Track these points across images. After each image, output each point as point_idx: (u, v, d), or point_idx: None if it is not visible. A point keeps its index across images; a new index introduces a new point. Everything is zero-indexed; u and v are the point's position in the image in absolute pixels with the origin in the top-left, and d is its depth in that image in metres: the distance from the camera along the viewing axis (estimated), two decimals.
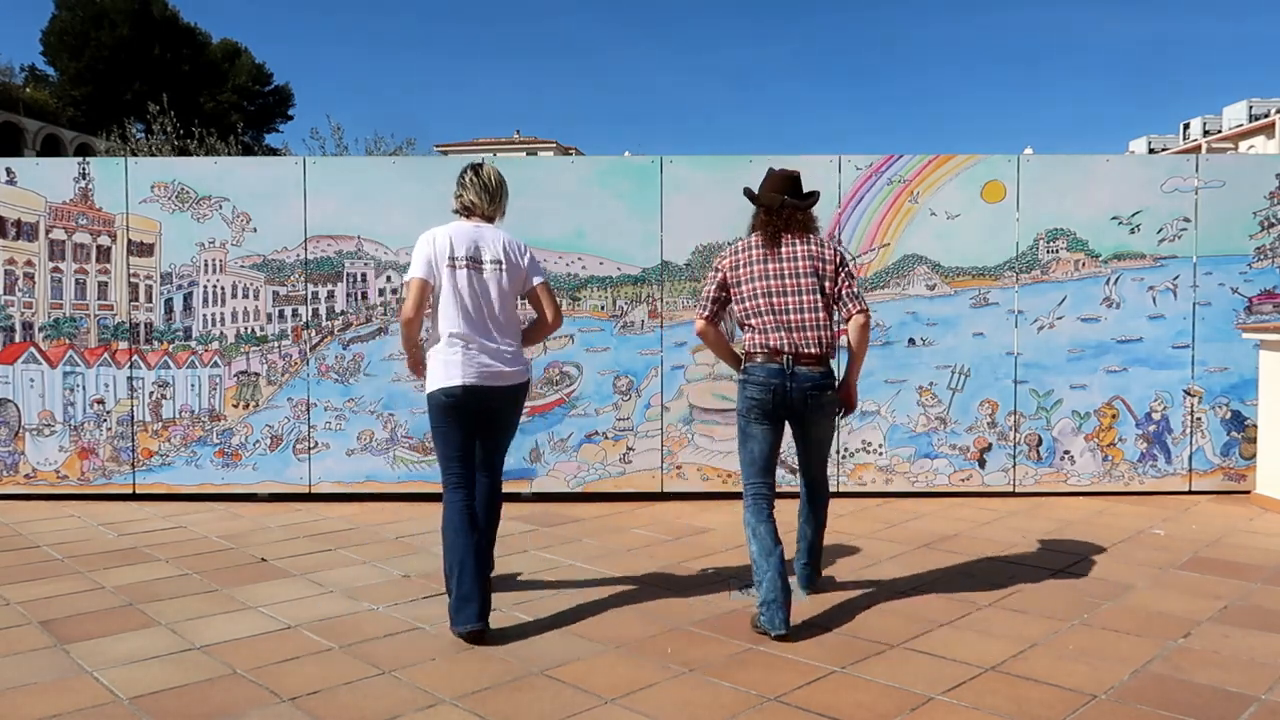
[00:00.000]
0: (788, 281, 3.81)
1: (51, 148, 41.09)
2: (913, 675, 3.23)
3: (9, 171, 6.17)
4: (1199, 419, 6.18)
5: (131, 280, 6.17)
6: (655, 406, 6.12)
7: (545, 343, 6.09)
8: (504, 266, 3.79)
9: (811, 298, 3.81)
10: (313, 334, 6.15)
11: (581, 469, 6.14)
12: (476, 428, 3.78)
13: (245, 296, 6.15)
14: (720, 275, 3.91)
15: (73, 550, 4.94)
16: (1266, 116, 48.59)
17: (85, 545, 5.04)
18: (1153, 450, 6.19)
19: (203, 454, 6.17)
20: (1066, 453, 6.17)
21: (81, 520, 5.63)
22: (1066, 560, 4.64)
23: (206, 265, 6.15)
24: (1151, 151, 50.92)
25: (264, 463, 6.16)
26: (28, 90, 44.80)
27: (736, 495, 6.07)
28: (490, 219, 3.93)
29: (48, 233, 6.16)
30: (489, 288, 3.75)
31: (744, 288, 3.85)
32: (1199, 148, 49.93)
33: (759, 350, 3.82)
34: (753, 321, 3.84)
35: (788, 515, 5.69)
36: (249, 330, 6.15)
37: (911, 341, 6.13)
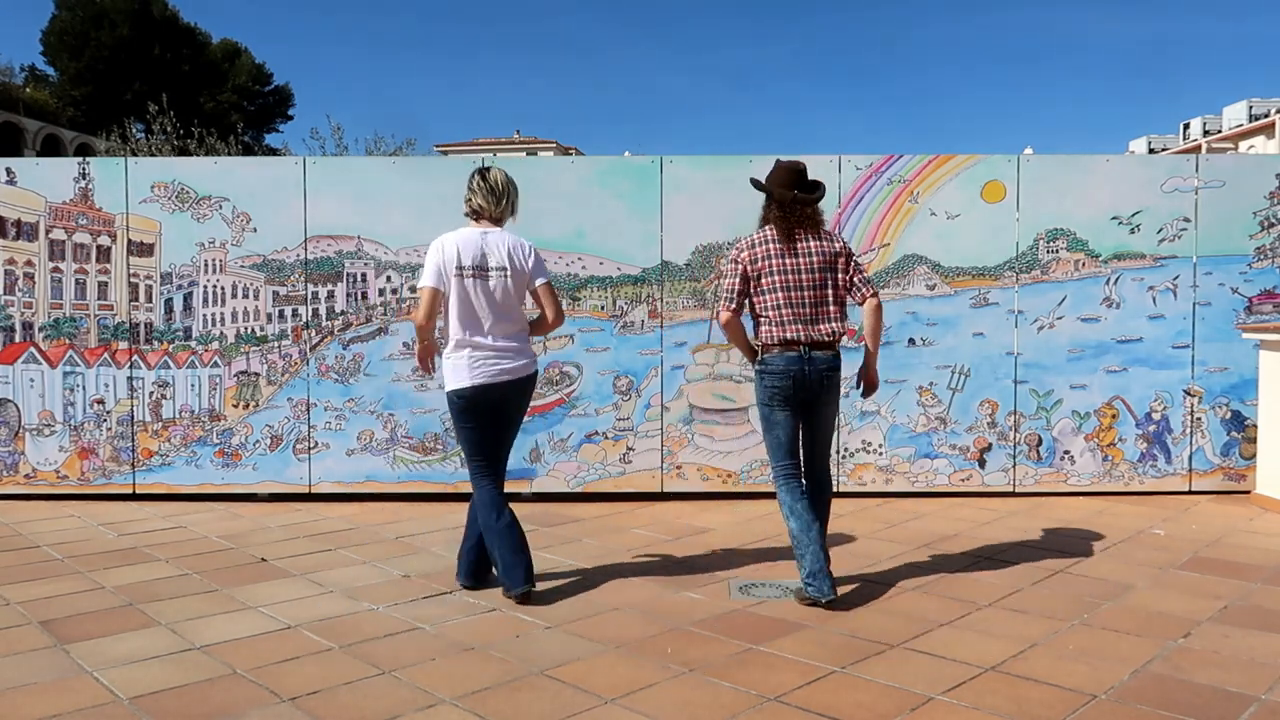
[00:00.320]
0: (804, 276, 4.03)
1: (51, 148, 41.10)
2: (913, 675, 3.23)
3: (9, 171, 6.17)
4: (1199, 419, 6.18)
5: (131, 280, 6.17)
6: (655, 406, 6.12)
7: (545, 342, 6.09)
8: (509, 272, 4.01)
9: (825, 292, 4.05)
10: (313, 334, 6.15)
11: (581, 469, 6.14)
12: (493, 420, 4.08)
13: (245, 296, 6.15)
14: (742, 268, 4.09)
15: (73, 550, 4.94)
16: (1266, 116, 48.60)
17: (85, 545, 5.04)
18: (1153, 450, 6.19)
19: (203, 454, 6.17)
20: (1066, 453, 6.17)
21: (81, 520, 5.63)
22: (1066, 561, 4.64)
23: (206, 265, 6.15)
24: (1151, 151, 50.92)
25: (264, 463, 6.16)
26: (28, 90, 44.80)
27: (736, 495, 6.10)
28: (499, 221, 4.13)
29: (48, 233, 6.16)
30: (494, 293, 4.00)
31: (764, 281, 4.05)
32: (1199, 148, 49.94)
33: (776, 342, 4.03)
34: (770, 314, 4.05)
35: None
36: (249, 330, 6.15)
37: (911, 341, 6.13)
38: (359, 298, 6.13)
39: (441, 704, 3.03)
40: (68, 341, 6.16)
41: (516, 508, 5.86)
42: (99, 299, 6.17)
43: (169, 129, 22.57)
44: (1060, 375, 6.14)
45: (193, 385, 6.17)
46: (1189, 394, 6.17)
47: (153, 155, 20.55)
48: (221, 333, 6.15)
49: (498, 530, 4.04)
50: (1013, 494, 6.14)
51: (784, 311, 4.02)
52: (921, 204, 6.11)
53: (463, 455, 4.22)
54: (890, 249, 6.12)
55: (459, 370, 3.99)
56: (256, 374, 6.16)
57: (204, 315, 6.15)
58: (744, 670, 3.29)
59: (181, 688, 3.16)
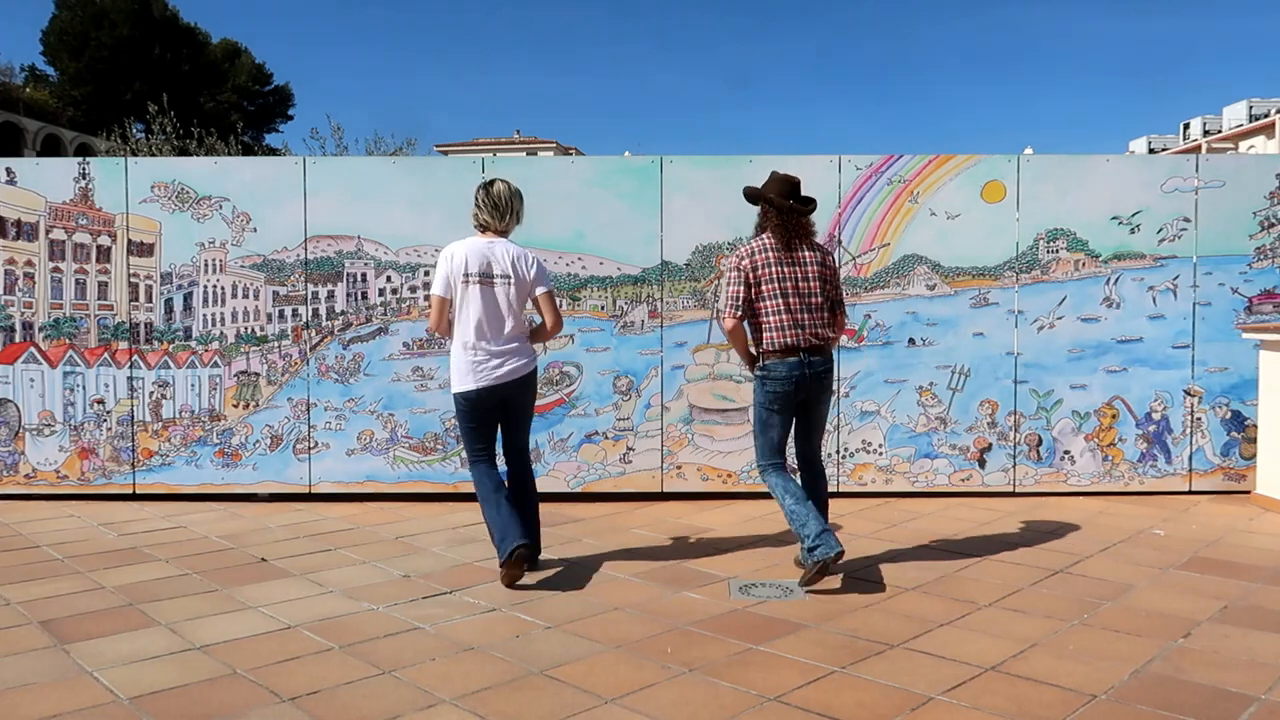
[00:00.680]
0: (801, 285, 4.27)
1: (51, 148, 41.11)
2: (913, 675, 3.23)
3: (9, 171, 6.17)
4: (1199, 419, 6.18)
5: (131, 280, 6.17)
6: (655, 406, 6.12)
7: (545, 342, 6.09)
8: (512, 280, 4.28)
9: (819, 299, 4.30)
10: (313, 334, 6.15)
11: (581, 469, 6.14)
12: (495, 417, 4.40)
13: (245, 296, 6.15)
14: (744, 275, 4.27)
15: (73, 550, 4.94)
16: (1266, 116, 48.58)
17: (85, 545, 5.05)
18: (1153, 450, 6.19)
19: (203, 454, 6.17)
20: (1066, 453, 6.17)
21: (81, 520, 5.63)
22: (1066, 560, 4.64)
23: (206, 265, 6.15)
24: (1151, 151, 50.92)
25: (264, 463, 6.16)
26: (28, 90, 44.81)
27: (736, 495, 6.10)
28: (503, 233, 4.39)
29: (48, 233, 6.16)
30: (498, 300, 4.27)
31: (764, 288, 4.25)
32: (1199, 148, 49.93)
33: (778, 349, 4.24)
34: (771, 320, 4.25)
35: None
36: (249, 330, 6.15)
37: (911, 341, 6.13)
38: (359, 298, 6.13)
39: (441, 704, 3.03)
40: (68, 341, 6.16)
41: None
42: (99, 299, 6.17)
43: (169, 129, 22.54)
44: (1060, 375, 6.14)
45: (193, 385, 6.17)
46: (1189, 394, 6.17)
47: (153, 155, 20.55)
48: (221, 333, 6.15)
49: (495, 501, 4.29)
50: (1013, 494, 6.14)
51: (784, 318, 4.22)
52: (921, 204, 6.11)
53: (463, 447, 4.52)
54: (890, 249, 6.12)
55: (464, 374, 4.28)
56: (256, 374, 6.16)
57: (204, 315, 6.15)
58: (744, 670, 3.29)
59: (181, 688, 3.16)
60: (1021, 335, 6.14)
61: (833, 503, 5.92)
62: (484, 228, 4.38)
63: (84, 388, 6.16)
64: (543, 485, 6.09)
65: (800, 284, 4.25)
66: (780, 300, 4.22)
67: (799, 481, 4.44)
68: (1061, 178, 6.13)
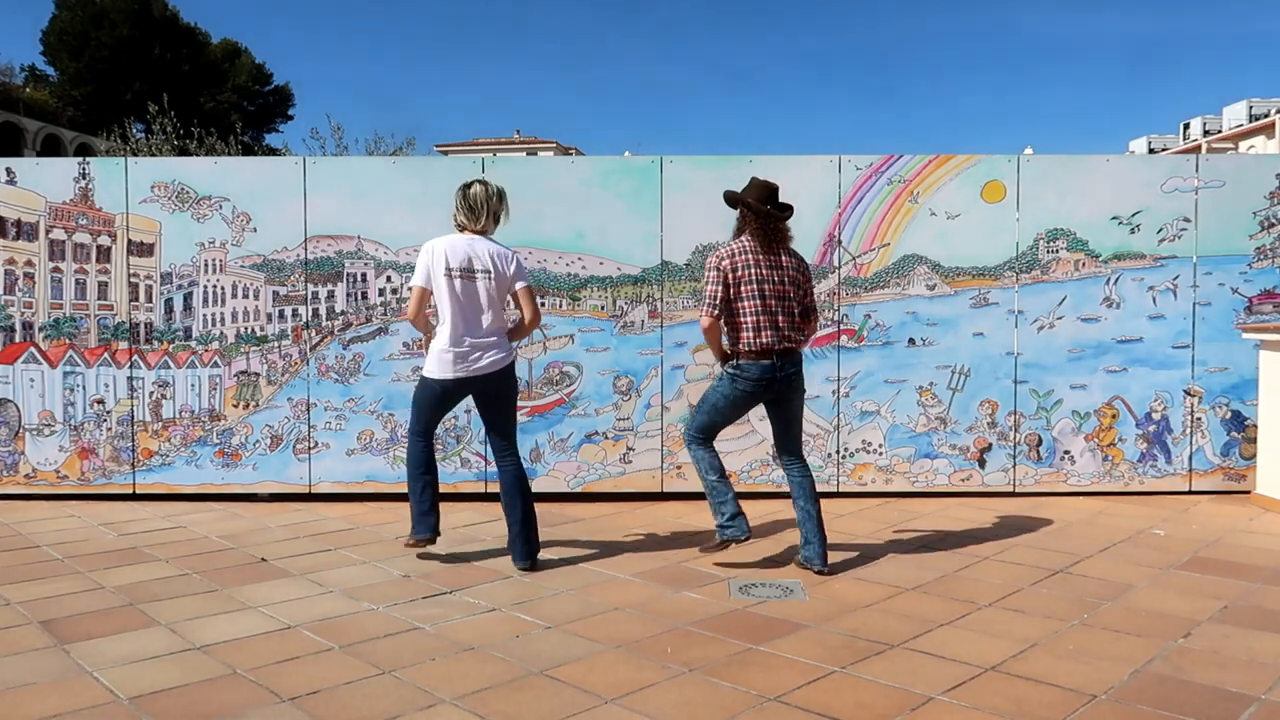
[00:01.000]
0: (777, 287, 4.39)
1: (51, 148, 41.11)
2: (913, 675, 3.23)
3: (9, 171, 6.17)
4: (1199, 419, 6.18)
5: (131, 280, 6.17)
6: (655, 406, 6.12)
7: (545, 342, 6.10)
8: (492, 275, 4.44)
9: (793, 304, 4.43)
10: (313, 334, 6.15)
11: (581, 469, 6.14)
12: (453, 405, 4.65)
13: (245, 296, 6.16)
14: (723, 275, 4.39)
15: (73, 550, 4.94)
16: (1266, 116, 48.57)
17: (85, 545, 5.05)
18: (1153, 450, 6.19)
19: (203, 454, 6.17)
20: (1066, 453, 6.17)
21: (81, 520, 5.63)
22: (1066, 560, 4.64)
23: (206, 265, 6.15)
24: (1151, 151, 50.91)
25: (264, 463, 6.16)
26: (28, 90, 44.81)
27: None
28: (482, 232, 4.55)
29: (48, 233, 6.16)
30: (478, 294, 4.44)
31: (743, 289, 4.37)
32: (1199, 148, 49.92)
33: (753, 349, 4.36)
34: (747, 320, 4.37)
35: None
36: (249, 330, 6.15)
37: (911, 341, 6.13)
38: (359, 298, 6.13)
39: (441, 704, 3.03)
40: (68, 341, 6.16)
41: None
42: (99, 299, 6.17)
43: (169, 129, 22.54)
44: (1060, 375, 6.14)
45: (193, 385, 6.17)
46: (1189, 394, 6.17)
47: (153, 155, 20.54)
48: (221, 333, 6.15)
49: (421, 481, 4.59)
50: (1013, 494, 6.14)
51: (761, 319, 4.35)
52: (921, 204, 6.11)
53: (410, 419, 4.69)
54: (890, 249, 6.12)
55: (443, 363, 4.45)
56: (256, 374, 6.16)
57: (204, 315, 6.15)
58: (744, 670, 3.29)
59: (181, 688, 3.16)
60: (1021, 335, 6.14)
61: (833, 502, 5.94)
62: (462, 227, 4.55)
63: (84, 388, 6.17)
64: (543, 485, 6.11)
65: (777, 287, 4.37)
66: (758, 302, 4.34)
67: (790, 476, 4.60)
68: (1061, 178, 6.13)
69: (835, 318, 6.12)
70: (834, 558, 4.72)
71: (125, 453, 6.17)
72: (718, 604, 4.02)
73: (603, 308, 6.12)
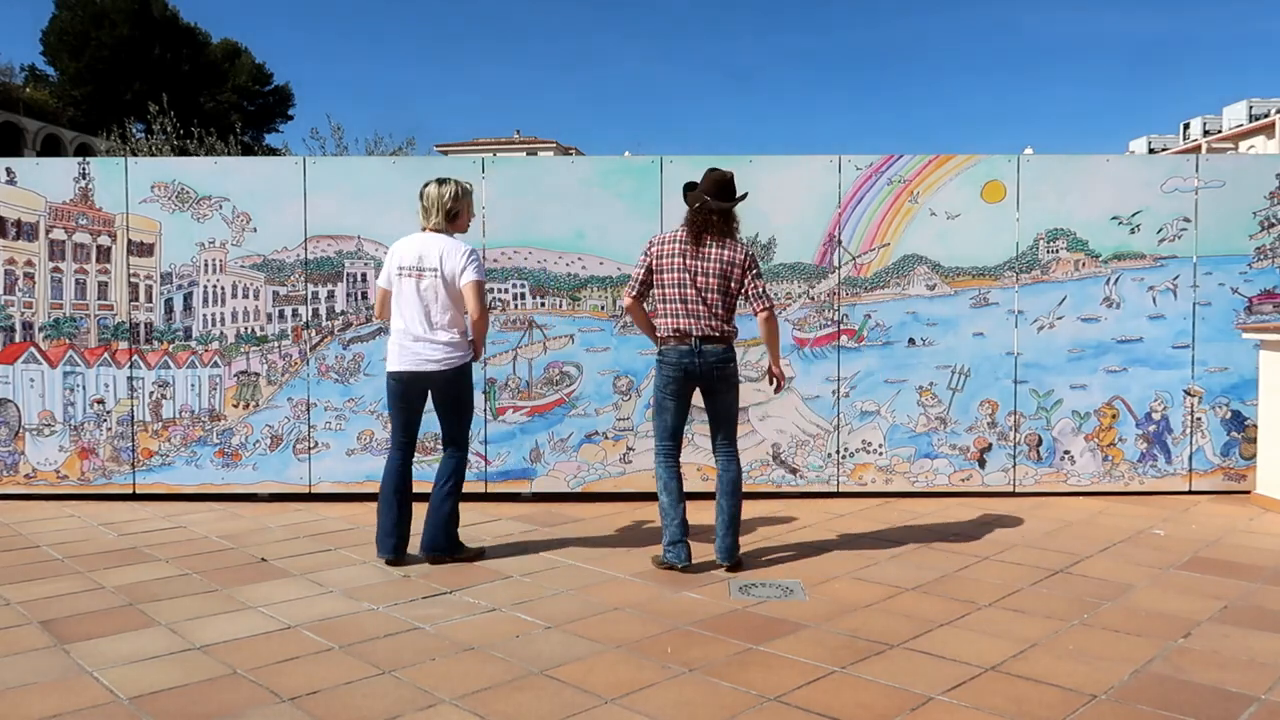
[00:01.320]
0: (699, 279, 4.42)
1: (51, 148, 41.11)
2: (913, 675, 3.23)
3: (9, 171, 6.17)
4: (1199, 419, 6.18)
5: (131, 280, 6.17)
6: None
7: (545, 343, 6.10)
8: (440, 273, 4.51)
9: (715, 296, 4.43)
10: (313, 334, 6.15)
11: (581, 469, 6.14)
12: (419, 406, 4.68)
13: (245, 296, 6.15)
14: (648, 261, 4.52)
15: (73, 550, 4.94)
16: (1266, 116, 48.56)
17: (85, 545, 5.04)
18: (1153, 450, 6.19)
19: (203, 454, 6.17)
20: (1066, 453, 6.17)
21: (81, 520, 5.63)
22: (1066, 560, 4.64)
23: (206, 265, 6.15)
24: (1151, 151, 50.90)
25: (264, 463, 6.16)
26: (28, 90, 44.81)
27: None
28: (438, 230, 4.61)
29: (48, 233, 6.16)
30: (425, 291, 4.52)
31: (664, 276, 4.47)
32: (1199, 148, 49.91)
33: (671, 334, 4.47)
34: (665, 307, 4.48)
35: (793, 514, 5.69)
36: (249, 330, 6.15)
37: (911, 341, 6.13)
38: (359, 298, 6.13)
39: (441, 704, 3.03)
40: (68, 341, 6.16)
41: (517, 508, 5.91)
42: (99, 299, 6.17)
43: (169, 129, 22.54)
44: (1060, 375, 6.14)
45: (193, 385, 6.17)
46: (1189, 394, 6.17)
47: (153, 155, 20.54)
48: (221, 333, 6.15)
49: (387, 501, 4.64)
50: (1013, 494, 6.14)
51: (678, 306, 4.43)
52: (921, 204, 6.11)
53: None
54: (890, 249, 6.12)
55: (392, 355, 4.61)
56: (256, 374, 6.16)
57: (204, 315, 6.15)
58: (744, 670, 3.29)
59: (181, 688, 3.16)
60: (1021, 335, 6.14)
61: (833, 502, 5.95)
62: (422, 226, 4.67)
63: (84, 388, 6.16)
64: (543, 485, 6.11)
65: (699, 278, 4.41)
66: (675, 290, 4.43)
67: (717, 467, 4.65)
68: (1061, 178, 6.13)
69: (835, 318, 6.12)
70: (834, 557, 4.73)
71: (125, 453, 6.17)
72: (718, 604, 4.02)
73: (603, 308, 6.12)
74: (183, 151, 21.86)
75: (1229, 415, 6.19)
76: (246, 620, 3.83)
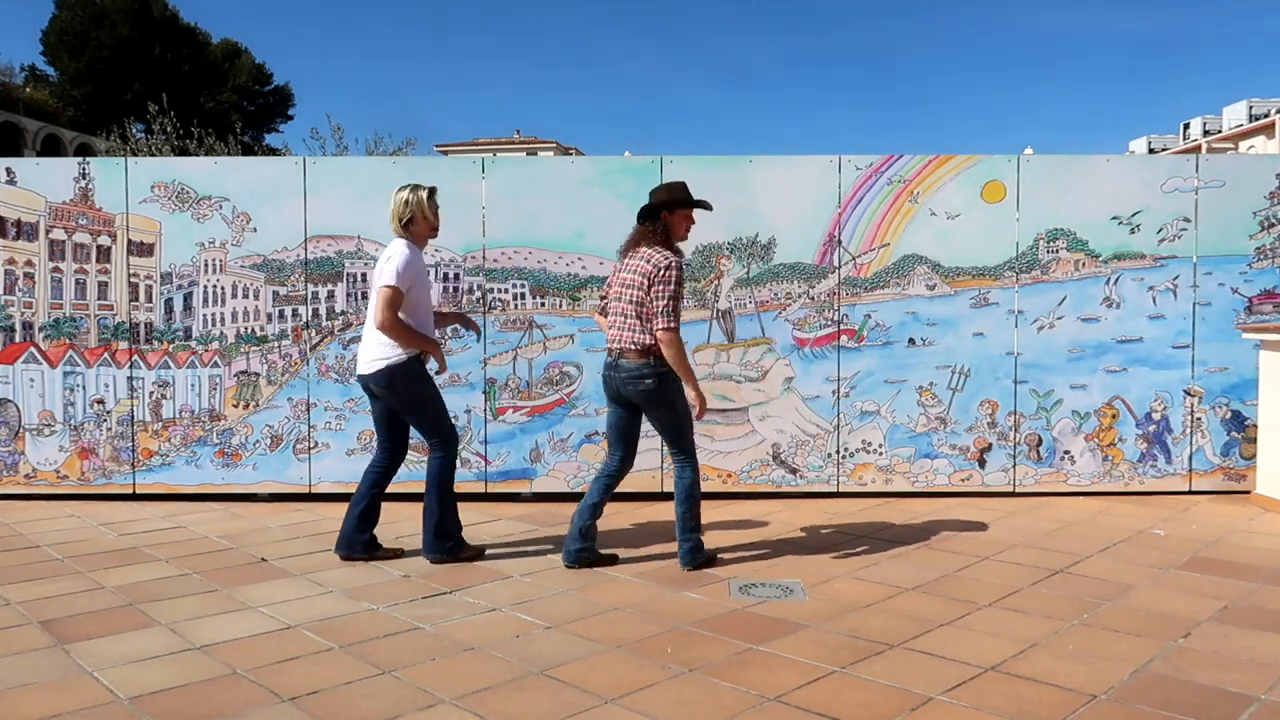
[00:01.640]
0: (619, 290, 4.48)
1: (51, 148, 41.11)
2: (913, 675, 3.23)
3: (9, 171, 6.17)
4: (1199, 419, 6.18)
5: (131, 280, 6.17)
6: None
7: (545, 343, 6.10)
8: (370, 278, 4.77)
9: (627, 305, 4.42)
10: (313, 334, 6.15)
11: (582, 469, 6.14)
12: (380, 405, 4.73)
13: (245, 296, 6.15)
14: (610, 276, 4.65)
15: (73, 550, 4.94)
16: (1266, 116, 48.55)
17: (85, 545, 5.04)
18: (1153, 450, 6.19)
19: (203, 454, 6.17)
20: (1066, 453, 6.17)
21: (81, 520, 5.63)
22: (1066, 560, 4.64)
23: (206, 265, 6.15)
24: (1151, 151, 50.89)
25: (264, 463, 6.16)
26: (28, 90, 44.81)
27: (736, 495, 6.10)
28: (398, 234, 4.64)
29: (48, 233, 6.16)
30: (370, 295, 4.67)
31: (608, 289, 4.63)
32: (1199, 148, 49.91)
33: (607, 342, 4.57)
34: (605, 318, 4.63)
35: (793, 514, 5.70)
36: (249, 330, 6.15)
37: (911, 341, 6.13)
38: (359, 298, 6.13)
39: (441, 704, 3.03)
40: (68, 341, 6.16)
41: (517, 508, 5.91)
42: (99, 299, 6.17)
43: (169, 129, 22.53)
44: (1060, 375, 6.14)
45: (193, 385, 6.17)
46: (1189, 394, 6.17)
47: (153, 155, 20.53)
48: (221, 333, 6.15)
49: (356, 499, 4.75)
50: (1013, 494, 6.14)
51: (610, 319, 4.54)
52: (921, 204, 6.11)
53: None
54: (890, 249, 6.12)
55: None
56: (256, 374, 6.16)
57: (204, 315, 6.15)
58: (744, 670, 3.29)
59: (181, 688, 3.16)
60: (1021, 335, 6.14)
61: (833, 502, 5.95)
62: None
63: (84, 388, 6.16)
64: (543, 485, 6.11)
65: (619, 289, 4.48)
66: (610, 302, 4.56)
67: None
68: (1061, 178, 6.13)
69: (835, 318, 6.12)
70: (834, 557, 4.73)
71: (125, 453, 6.17)
72: (718, 604, 4.02)
73: None
74: (183, 151, 21.86)
75: (1229, 415, 6.19)
76: (246, 620, 3.83)
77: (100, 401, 6.16)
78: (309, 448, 6.14)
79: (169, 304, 6.17)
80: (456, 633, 3.68)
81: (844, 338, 6.13)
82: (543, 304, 6.12)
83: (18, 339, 6.16)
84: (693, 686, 3.17)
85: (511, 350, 6.13)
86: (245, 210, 6.12)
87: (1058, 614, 3.85)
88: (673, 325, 4.31)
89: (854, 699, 3.05)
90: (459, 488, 6.05)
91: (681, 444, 4.57)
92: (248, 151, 30.33)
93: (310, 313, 6.14)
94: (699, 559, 4.55)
